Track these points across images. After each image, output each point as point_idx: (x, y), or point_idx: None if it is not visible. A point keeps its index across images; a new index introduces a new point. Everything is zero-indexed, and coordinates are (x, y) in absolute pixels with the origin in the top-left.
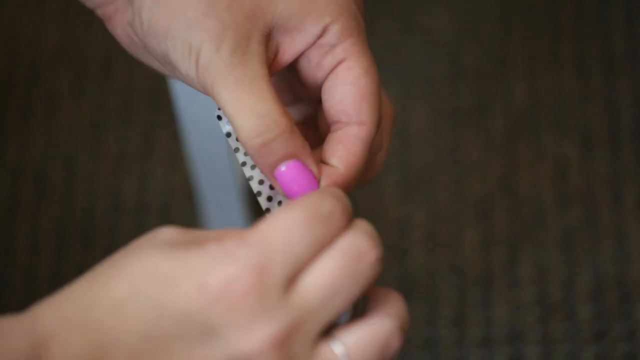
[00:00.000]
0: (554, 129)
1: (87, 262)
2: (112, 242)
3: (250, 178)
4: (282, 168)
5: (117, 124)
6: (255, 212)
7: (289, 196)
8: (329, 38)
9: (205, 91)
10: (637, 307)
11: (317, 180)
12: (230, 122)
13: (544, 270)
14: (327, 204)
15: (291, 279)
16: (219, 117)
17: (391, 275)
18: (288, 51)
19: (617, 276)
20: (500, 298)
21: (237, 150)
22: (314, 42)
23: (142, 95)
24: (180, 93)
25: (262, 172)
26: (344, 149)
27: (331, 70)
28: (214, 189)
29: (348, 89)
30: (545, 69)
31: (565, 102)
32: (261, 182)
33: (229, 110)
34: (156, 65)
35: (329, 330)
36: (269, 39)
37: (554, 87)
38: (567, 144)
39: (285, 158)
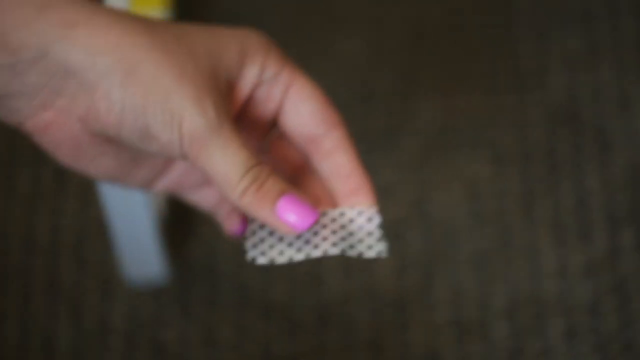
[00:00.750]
0: (467, 148)
1: (1, 303)
2: (25, 282)
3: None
4: (281, 204)
5: (29, 161)
6: (170, 246)
7: (295, 228)
8: (269, 72)
9: (189, 158)
10: (552, 323)
11: (314, 207)
12: (223, 181)
13: (459, 290)
14: None
15: None
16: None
17: (307, 304)
18: (238, 98)
19: (531, 293)
20: (415, 320)
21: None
22: (258, 82)
23: None
24: None
25: (262, 218)
26: (345, 156)
27: (283, 98)
28: (128, 224)
29: (311, 104)
30: (455, 89)
31: (477, 121)
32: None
33: (223, 168)
34: (106, 162)
35: None
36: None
37: (464, 107)
38: (480, 163)
39: (280, 195)
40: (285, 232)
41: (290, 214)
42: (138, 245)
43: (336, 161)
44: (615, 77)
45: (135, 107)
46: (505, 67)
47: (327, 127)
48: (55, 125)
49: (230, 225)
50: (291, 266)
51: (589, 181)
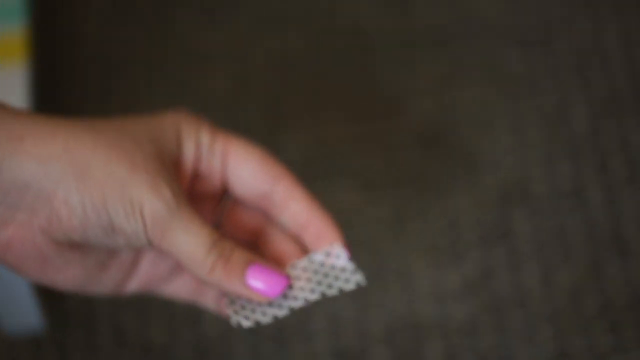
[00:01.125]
0: (336, 177)
1: None
2: None
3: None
4: (249, 274)
5: None
6: (45, 294)
7: (267, 295)
8: (204, 144)
9: (154, 243)
10: (430, 346)
11: (281, 271)
12: (190, 260)
13: (337, 319)
14: None
15: None
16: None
17: (185, 340)
18: (184, 176)
19: (408, 317)
20: (296, 352)
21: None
22: (197, 156)
23: None
24: None
25: (233, 291)
26: (298, 204)
27: (224, 166)
28: (1, 276)
29: (250, 164)
30: (321, 119)
31: (344, 149)
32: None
33: (187, 248)
34: (73, 271)
35: None
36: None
37: (331, 136)
38: (349, 191)
39: (246, 265)
40: (258, 300)
41: (259, 283)
42: (13, 297)
43: (292, 211)
44: (479, 97)
45: (95, 205)
46: (370, 94)
47: (272, 181)
48: (17, 241)
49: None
50: (169, 305)
51: (459, 202)
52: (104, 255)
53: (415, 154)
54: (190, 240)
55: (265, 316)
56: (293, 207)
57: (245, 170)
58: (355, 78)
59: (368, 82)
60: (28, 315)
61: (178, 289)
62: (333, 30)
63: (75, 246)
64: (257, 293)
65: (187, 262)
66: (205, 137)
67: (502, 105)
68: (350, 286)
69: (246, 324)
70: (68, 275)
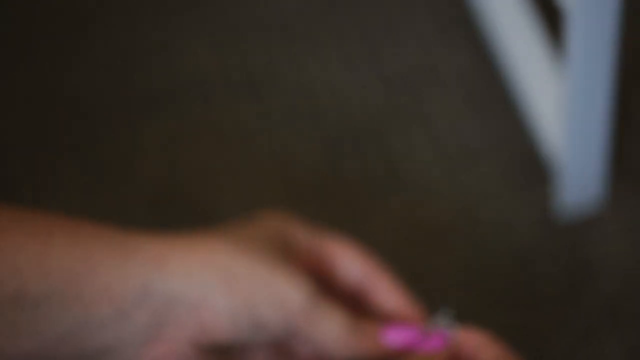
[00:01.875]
0: None
1: None
2: None
3: None
4: (387, 331)
5: None
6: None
7: (406, 344)
8: (300, 239)
9: (295, 331)
10: None
11: (411, 325)
12: (333, 342)
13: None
14: None
15: None
16: None
17: None
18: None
19: None
20: None
21: None
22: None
23: None
24: None
25: (372, 353)
26: (393, 293)
27: (323, 256)
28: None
29: (352, 258)
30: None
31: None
32: None
33: (331, 331)
34: None
35: None
36: None
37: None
38: None
39: (378, 327)
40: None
41: (396, 338)
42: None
43: (382, 299)
44: (219, 151)
45: (246, 311)
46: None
47: (368, 274)
48: (166, 357)
49: None
50: None
51: None
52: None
53: (148, 215)
54: (333, 327)
55: None
56: (384, 296)
57: (346, 262)
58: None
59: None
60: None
61: None
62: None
63: (222, 352)
64: (395, 348)
65: (331, 345)
66: (304, 233)
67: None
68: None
69: None
70: None
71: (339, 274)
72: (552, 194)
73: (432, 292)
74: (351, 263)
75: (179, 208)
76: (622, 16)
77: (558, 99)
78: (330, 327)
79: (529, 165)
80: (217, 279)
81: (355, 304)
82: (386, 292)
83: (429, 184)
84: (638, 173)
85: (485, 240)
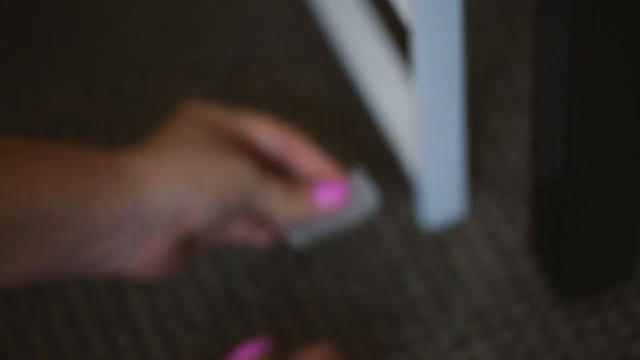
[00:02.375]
0: None
1: None
2: None
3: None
4: (315, 195)
5: None
6: None
7: (336, 199)
8: (227, 125)
9: (250, 207)
10: None
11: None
12: (275, 212)
13: None
14: None
15: None
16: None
17: None
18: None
19: None
20: None
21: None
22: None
23: None
24: None
25: (308, 213)
26: (312, 154)
27: (248, 136)
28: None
29: (270, 131)
30: None
31: None
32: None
33: (274, 206)
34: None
35: None
36: None
37: None
38: None
39: (310, 188)
40: (331, 210)
41: (327, 196)
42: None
43: (305, 162)
44: None
45: (218, 202)
46: None
47: (286, 143)
48: (150, 256)
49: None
50: None
51: None
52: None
53: None
54: (277, 197)
55: (321, 233)
56: (305, 159)
57: (266, 137)
58: None
59: None
60: None
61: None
62: None
63: (191, 239)
64: (328, 204)
65: (279, 214)
66: (229, 119)
67: None
68: (376, 204)
69: (307, 244)
70: (176, 265)
71: (261, 146)
72: (416, 206)
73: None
74: (270, 135)
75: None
76: (467, 30)
77: (411, 117)
78: (272, 199)
79: (394, 178)
80: (191, 183)
81: (279, 171)
82: (306, 155)
83: None
84: (495, 182)
85: (355, 251)
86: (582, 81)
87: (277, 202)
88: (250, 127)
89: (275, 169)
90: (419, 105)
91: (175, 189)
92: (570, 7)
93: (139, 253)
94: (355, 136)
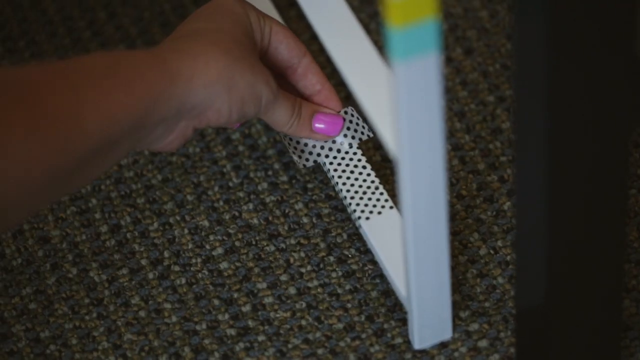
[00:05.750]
0: None
1: None
2: None
3: (296, 153)
4: (315, 122)
5: None
6: None
7: (329, 134)
8: (263, 29)
9: (260, 116)
10: None
11: (337, 115)
12: (279, 125)
13: None
14: None
15: None
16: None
17: None
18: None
19: None
20: None
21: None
22: (261, 38)
23: None
24: None
25: (306, 136)
26: (315, 76)
27: (269, 41)
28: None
29: (287, 43)
30: None
31: None
32: (297, 149)
33: (281, 119)
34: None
35: None
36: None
37: None
38: None
39: (313, 115)
40: (323, 139)
41: (323, 125)
42: None
43: (309, 80)
44: None
45: (238, 108)
46: None
47: (299, 57)
48: (175, 139)
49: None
50: None
51: None
52: None
53: None
54: (282, 113)
55: (320, 157)
56: (310, 77)
57: (284, 47)
58: None
59: None
60: None
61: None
62: None
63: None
64: (322, 134)
65: (278, 126)
66: (262, 22)
67: None
68: (370, 134)
69: (308, 164)
70: (186, 142)
71: (279, 52)
72: (406, 327)
73: None
74: (288, 44)
75: None
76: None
77: (402, 249)
78: (281, 113)
79: (386, 303)
80: (224, 90)
81: (285, 80)
82: (314, 73)
83: None
84: (476, 298)
85: None
86: (562, 217)
87: (284, 116)
88: (274, 33)
89: (282, 77)
90: (407, 235)
91: (212, 92)
92: (546, 147)
93: (168, 136)
94: (347, 264)
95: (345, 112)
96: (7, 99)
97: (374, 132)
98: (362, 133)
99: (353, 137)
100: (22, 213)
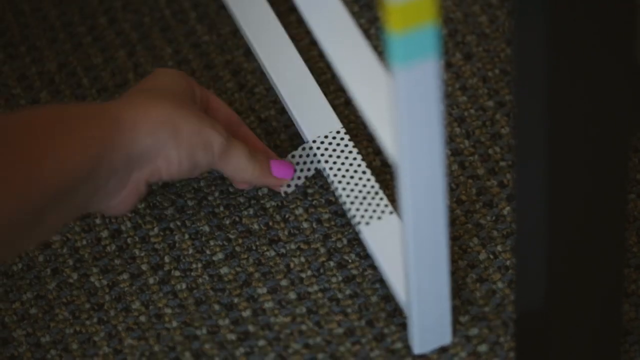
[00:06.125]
0: None
1: None
2: None
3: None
4: (274, 169)
5: None
6: None
7: (286, 178)
8: (198, 94)
9: (217, 166)
10: None
11: (288, 162)
12: (241, 171)
13: None
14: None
15: None
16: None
17: None
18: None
19: None
20: None
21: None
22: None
23: None
24: None
25: (268, 184)
26: (257, 140)
27: (207, 105)
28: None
29: (224, 110)
30: None
31: None
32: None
33: (240, 164)
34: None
35: None
36: None
37: None
38: None
39: (268, 162)
40: (280, 184)
41: (281, 173)
42: None
43: (251, 145)
44: None
45: (188, 154)
46: None
47: (237, 124)
48: (127, 195)
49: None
50: None
51: None
52: None
53: None
54: (241, 158)
55: (300, 180)
56: (251, 142)
57: (221, 112)
58: None
59: None
60: None
61: None
62: None
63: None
64: (281, 179)
65: (241, 173)
66: (201, 90)
67: None
68: (317, 166)
69: (290, 189)
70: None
71: (212, 114)
72: (406, 332)
73: None
74: (222, 112)
75: None
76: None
77: (402, 254)
78: (239, 158)
79: (386, 308)
80: (169, 136)
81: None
82: (249, 138)
83: None
84: (476, 303)
85: None
86: (561, 222)
87: (242, 163)
88: (212, 101)
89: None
90: (407, 240)
91: (157, 138)
92: (546, 152)
93: (121, 191)
94: (348, 269)
95: (293, 156)
96: None
97: (318, 164)
98: (309, 169)
99: (309, 169)
100: None
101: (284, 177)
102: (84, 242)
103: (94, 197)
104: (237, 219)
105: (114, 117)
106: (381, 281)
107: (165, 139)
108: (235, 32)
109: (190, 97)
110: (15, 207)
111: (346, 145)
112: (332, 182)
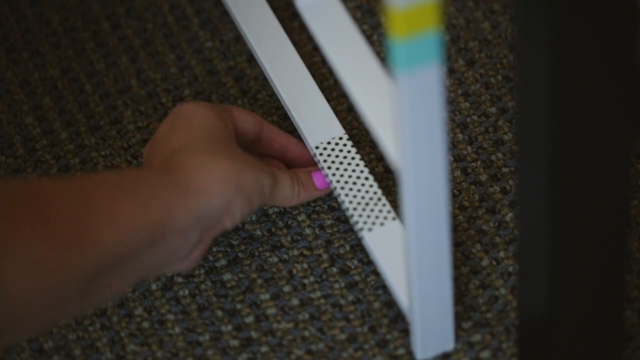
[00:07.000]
0: None
1: None
2: None
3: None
4: (317, 182)
5: None
6: None
7: (326, 187)
8: (223, 119)
9: (268, 203)
10: None
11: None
12: (286, 201)
13: None
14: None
15: None
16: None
17: None
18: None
19: None
20: None
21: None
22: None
23: None
24: None
25: (314, 196)
26: (280, 132)
27: (235, 124)
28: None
29: (249, 120)
30: None
31: None
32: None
33: (285, 195)
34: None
35: None
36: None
37: None
38: None
39: (309, 175)
40: (327, 192)
41: (323, 183)
42: None
43: (278, 141)
44: None
45: (247, 203)
46: None
47: (260, 126)
48: (194, 253)
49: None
50: None
51: None
52: None
53: None
54: (287, 190)
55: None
56: (277, 138)
57: (247, 123)
58: None
59: None
60: None
61: None
62: None
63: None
64: (325, 189)
65: (287, 202)
66: (223, 112)
67: None
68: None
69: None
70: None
71: (244, 132)
72: (409, 338)
73: None
74: (247, 122)
75: None
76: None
77: (405, 260)
78: (285, 189)
79: (388, 314)
80: (233, 194)
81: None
82: (277, 134)
83: None
84: (478, 309)
85: None
86: (564, 228)
87: (287, 193)
88: (236, 116)
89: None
90: (409, 246)
91: (225, 197)
92: (549, 159)
93: (193, 253)
94: (350, 275)
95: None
96: (17, 206)
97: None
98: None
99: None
100: (25, 327)
101: (327, 186)
102: None
103: (164, 261)
104: (239, 225)
105: (179, 180)
106: (384, 287)
107: (230, 197)
108: (238, 38)
109: (226, 133)
110: (64, 272)
111: (349, 152)
112: (335, 188)
